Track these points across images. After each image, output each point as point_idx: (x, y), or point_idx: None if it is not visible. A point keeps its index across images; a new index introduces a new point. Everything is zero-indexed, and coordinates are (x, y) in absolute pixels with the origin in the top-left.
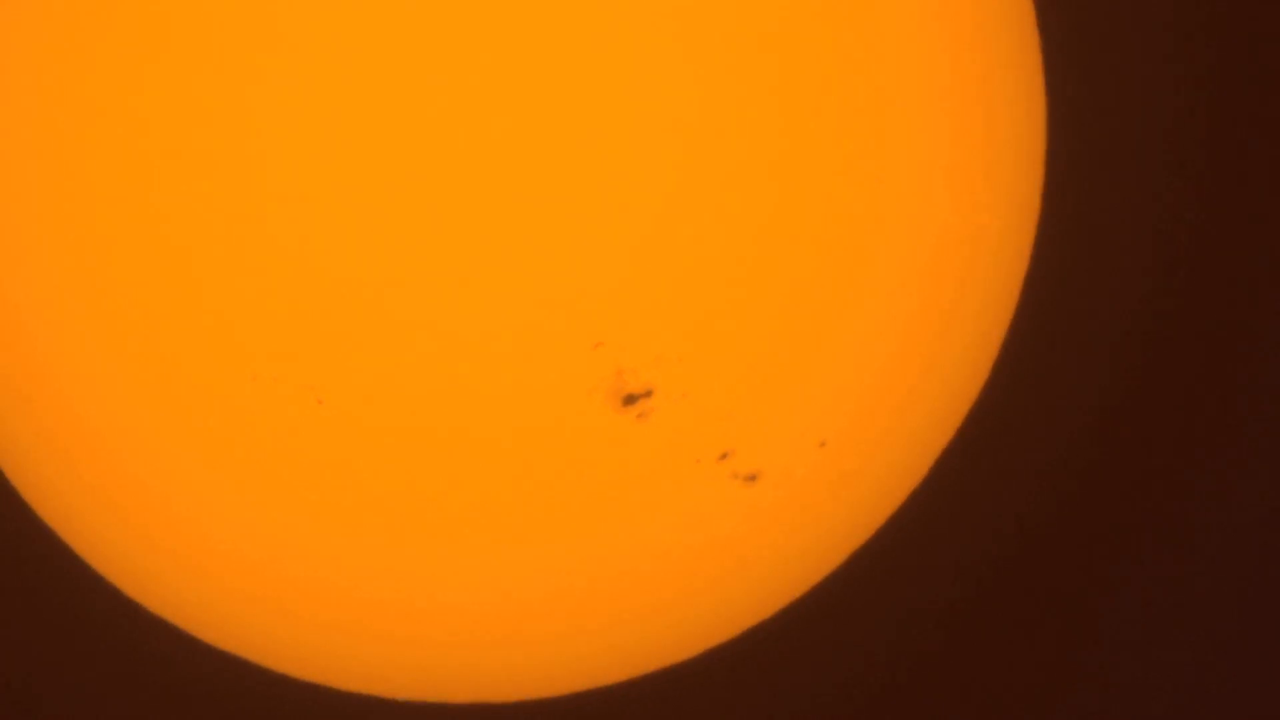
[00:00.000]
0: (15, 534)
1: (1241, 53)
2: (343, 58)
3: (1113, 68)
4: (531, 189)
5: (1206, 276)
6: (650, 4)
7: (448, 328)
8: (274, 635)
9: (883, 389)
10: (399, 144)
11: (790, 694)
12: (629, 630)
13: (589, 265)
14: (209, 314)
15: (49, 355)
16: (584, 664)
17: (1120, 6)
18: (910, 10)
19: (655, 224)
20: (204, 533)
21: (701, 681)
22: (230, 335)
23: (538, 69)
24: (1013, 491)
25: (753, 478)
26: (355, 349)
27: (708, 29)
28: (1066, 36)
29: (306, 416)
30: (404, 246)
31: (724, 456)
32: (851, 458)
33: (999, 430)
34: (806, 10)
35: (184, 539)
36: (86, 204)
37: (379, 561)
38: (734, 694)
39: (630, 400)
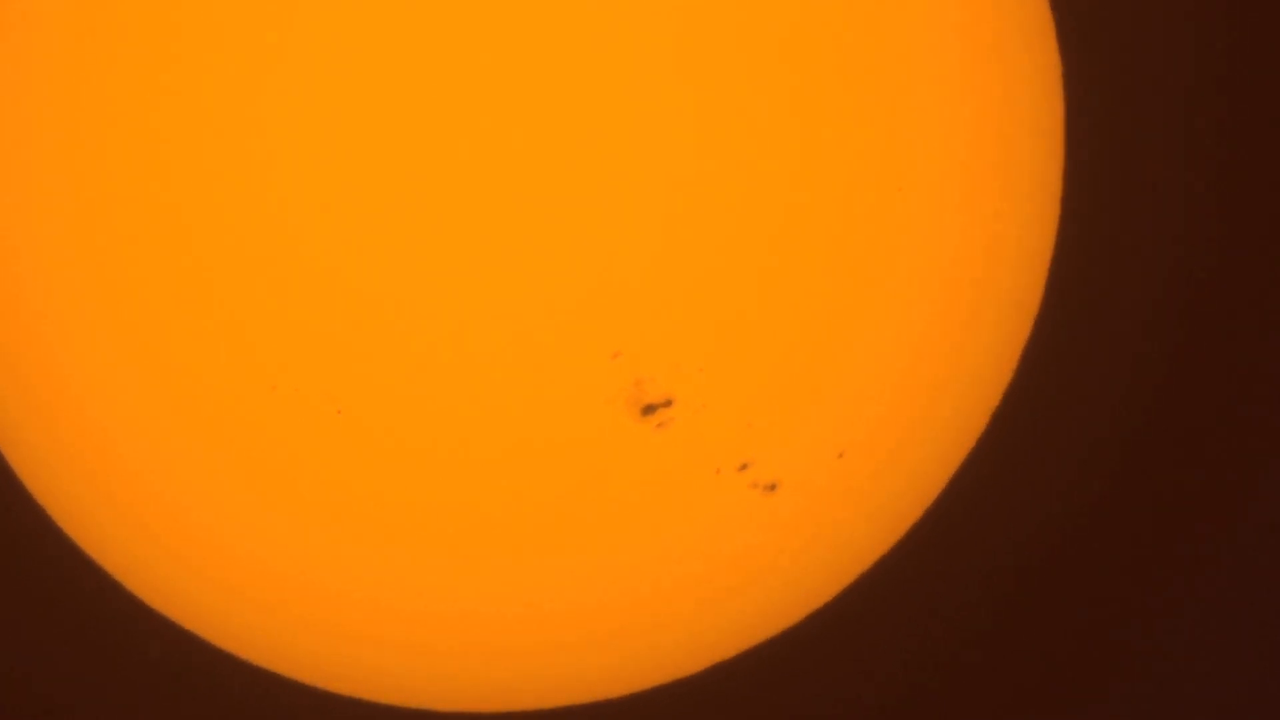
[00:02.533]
0: (37, 545)
1: (1260, 51)
2: (364, 72)
3: (1131, 71)
4: (550, 200)
5: (1228, 280)
6: (672, 14)
7: (467, 338)
8: (294, 644)
9: (901, 399)
10: (417, 155)
11: (808, 704)
12: (648, 639)
13: (607, 275)
14: (229, 324)
15: (69, 366)
16: (603, 673)
17: (1137, 9)
18: (930, 19)
19: (673, 234)
20: (225, 542)
21: (720, 691)
22: (250, 345)
23: (557, 84)
24: (1032, 503)
25: (772, 488)
26: (374, 359)
27: (727, 39)
28: (1084, 40)
29: (326, 426)
30: (423, 257)
31: (743, 467)
32: (870, 468)
33: (1018, 441)
34: (827, 23)
35: (205, 548)
36: (108, 214)
37: (398, 570)
38: (753, 704)
39: (649, 410)
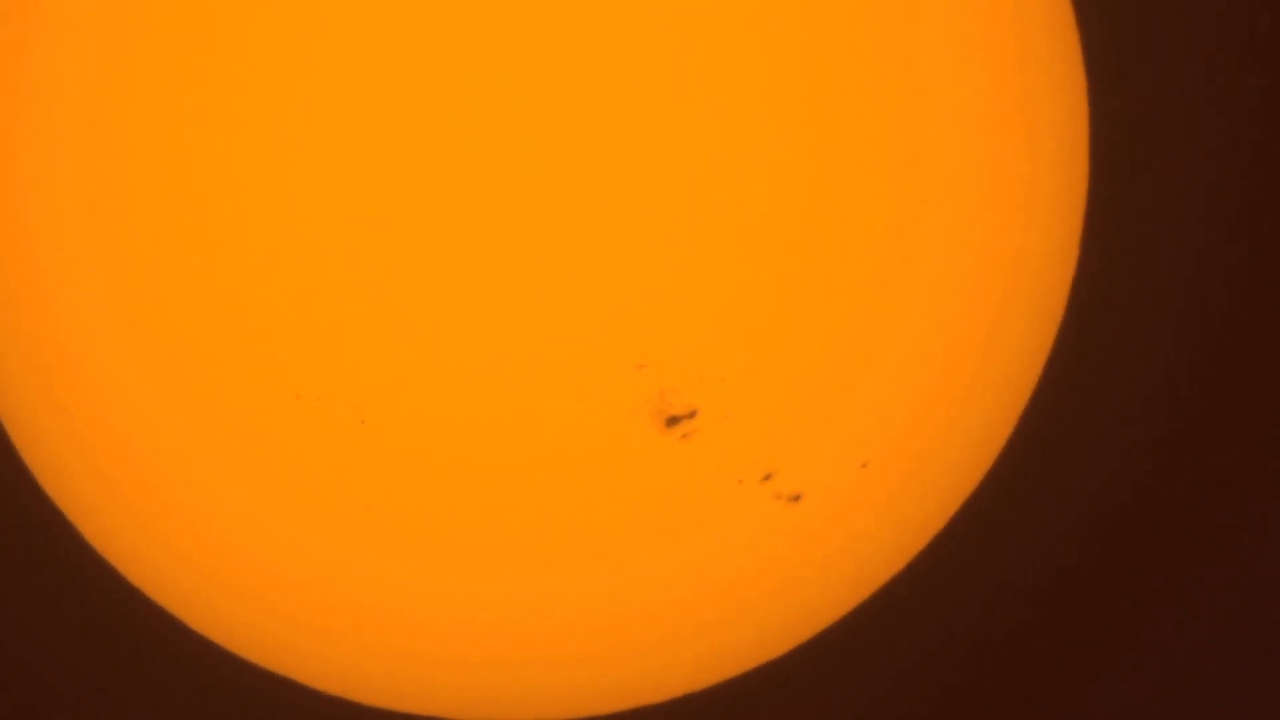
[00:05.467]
0: (61, 554)
1: None
2: (391, 87)
3: (1156, 85)
4: (574, 212)
5: (1253, 289)
6: (701, 25)
7: (491, 348)
8: (316, 655)
9: (925, 410)
10: (442, 166)
11: (831, 715)
12: (671, 650)
13: (632, 286)
14: (254, 333)
15: (92, 375)
16: (627, 684)
17: (1163, 21)
18: (955, 33)
19: (698, 246)
20: (248, 552)
21: (742, 702)
22: (274, 355)
23: (582, 96)
24: (1056, 513)
25: (795, 498)
26: (398, 369)
27: (755, 53)
28: (1109, 49)
29: (349, 436)
30: (448, 268)
31: (767, 477)
32: (894, 479)
33: (1042, 451)
34: (854, 39)
35: (228, 558)
36: (134, 224)
37: (420, 581)
38: (775, 715)
39: (674, 421)
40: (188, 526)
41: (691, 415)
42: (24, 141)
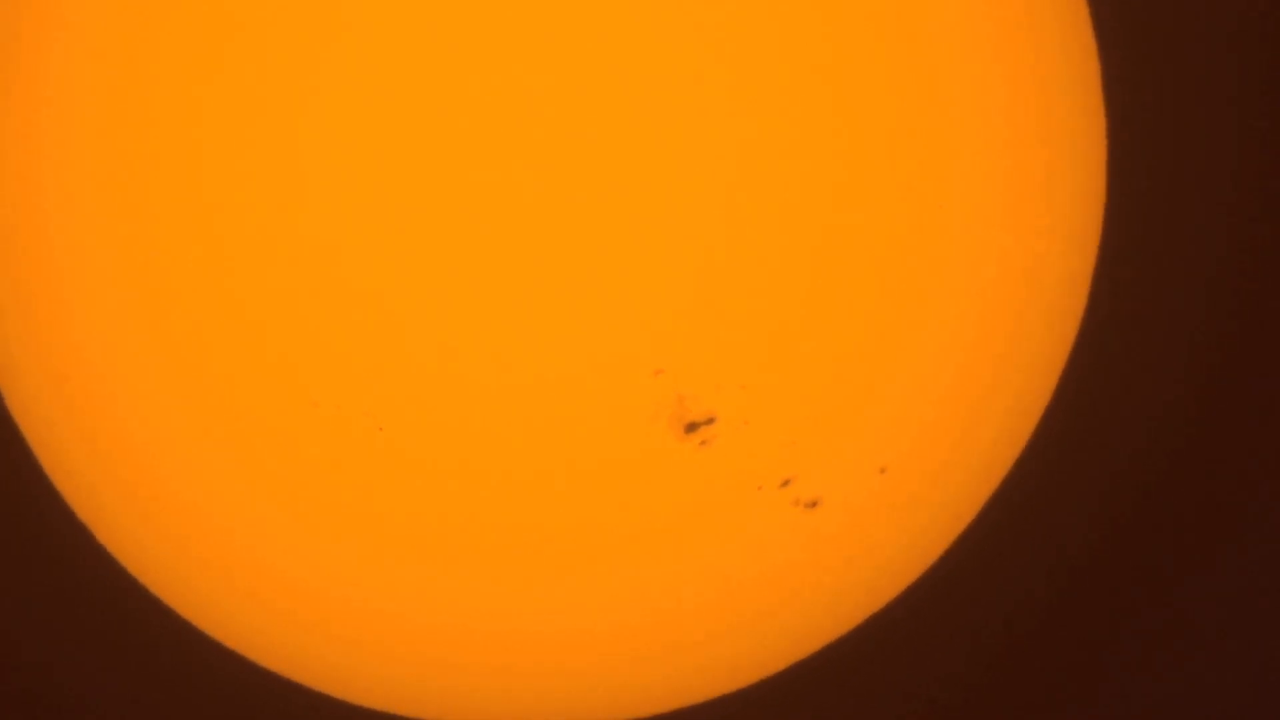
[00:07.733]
0: (77, 560)
1: None
2: (405, 92)
3: (1173, 91)
4: (591, 218)
5: (1273, 296)
6: (714, 29)
7: (508, 355)
8: (332, 662)
9: (943, 416)
10: (459, 172)
11: None
12: (688, 657)
13: (649, 292)
14: (270, 340)
15: (109, 381)
16: (643, 692)
17: (1180, 27)
18: (972, 43)
19: (715, 251)
20: (264, 560)
21: (760, 708)
22: (291, 362)
23: (600, 102)
24: (1074, 518)
25: (814, 504)
26: (415, 376)
27: (772, 60)
28: (1125, 52)
29: (366, 443)
30: (464, 275)
31: (785, 483)
32: (912, 484)
33: (1060, 457)
34: (872, 45)
35: (241, 562)
36: (150, 230)
37: (437, 589)
38: None
39: (692, 428)
40: (201, 530)
41: (710, 421)
42: (40, 142)
